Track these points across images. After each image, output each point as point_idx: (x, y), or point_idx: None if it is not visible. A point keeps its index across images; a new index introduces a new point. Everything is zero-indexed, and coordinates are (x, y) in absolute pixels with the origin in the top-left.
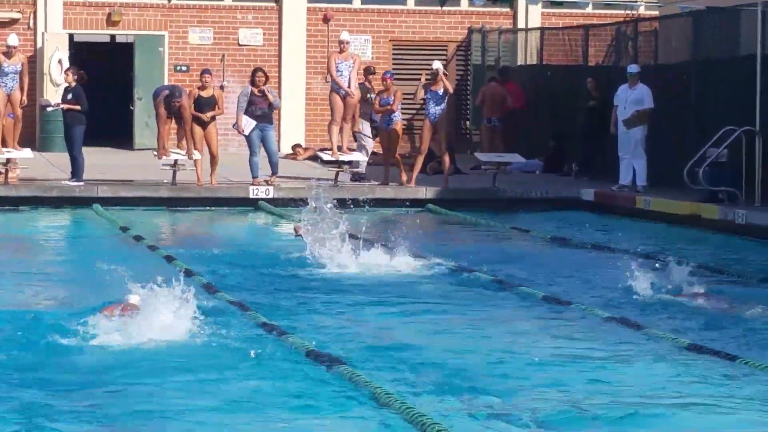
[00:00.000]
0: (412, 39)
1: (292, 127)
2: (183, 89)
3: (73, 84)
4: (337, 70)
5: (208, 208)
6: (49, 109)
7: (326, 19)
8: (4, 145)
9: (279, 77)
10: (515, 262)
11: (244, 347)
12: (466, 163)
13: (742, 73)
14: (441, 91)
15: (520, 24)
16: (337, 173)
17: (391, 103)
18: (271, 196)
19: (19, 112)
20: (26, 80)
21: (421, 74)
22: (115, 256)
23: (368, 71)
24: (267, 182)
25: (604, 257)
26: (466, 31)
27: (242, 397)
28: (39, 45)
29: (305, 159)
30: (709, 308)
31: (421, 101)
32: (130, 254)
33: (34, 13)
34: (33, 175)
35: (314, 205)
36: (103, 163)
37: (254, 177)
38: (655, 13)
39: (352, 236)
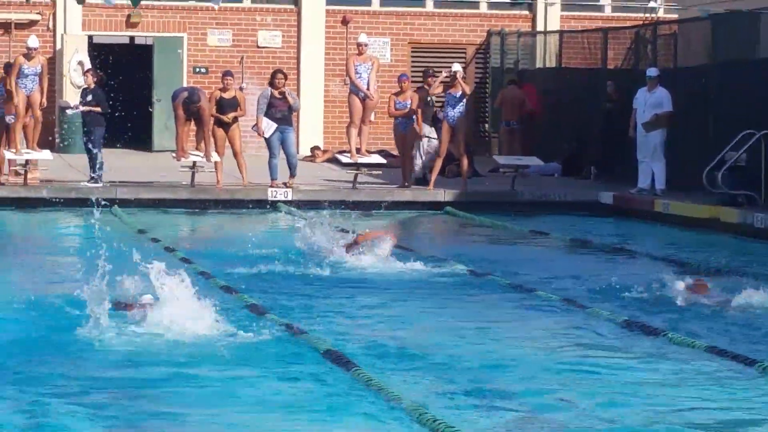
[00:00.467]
0: (431, 42)
1: (311, 129)
2: (202, 91)
3: (92, 86)
4: (356, 73)
5: (226, 210)
6: (69, 111)
7: (345, 22)
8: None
9: (297, 79)
10: (533, 264)
11: (261, 348)
12: (485, 165)
13: (761, 76)
14: (458, 94)
15: (539, 27)
16: (356, 176)
17: (409, 106)
18: (289, 198)
19: (39, 113)
20: (46, 82)
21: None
22: (131, 257)
23: (426, 73)
24: (285, 185)
25: (623, 260)
26: (485, 34)
27: (262, 398)
28: (58, 47)
29: (323, 161)
30: (728, 310)
31: (435, 97)
32: (146, 256)
33: (54, 14)
34: (52, 177)
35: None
36: (122, 164)
37: (273, 179)
38: (675, 16)
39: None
